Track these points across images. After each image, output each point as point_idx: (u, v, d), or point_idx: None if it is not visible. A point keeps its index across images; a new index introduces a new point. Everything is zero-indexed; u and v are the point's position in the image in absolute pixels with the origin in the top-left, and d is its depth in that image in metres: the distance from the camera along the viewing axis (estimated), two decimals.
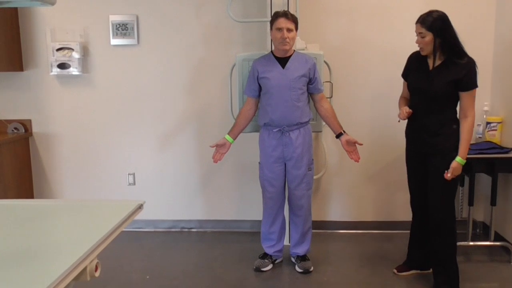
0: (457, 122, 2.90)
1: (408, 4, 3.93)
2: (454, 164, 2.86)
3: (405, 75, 3.13)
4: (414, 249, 3.30)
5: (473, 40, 3.93)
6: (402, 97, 3.20)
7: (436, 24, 2.79)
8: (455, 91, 2.84)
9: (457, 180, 3.01)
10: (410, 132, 3.13)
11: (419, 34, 2.86)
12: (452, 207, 3.00)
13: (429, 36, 2.81)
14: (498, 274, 3.41)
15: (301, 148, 3.30)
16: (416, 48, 2.99)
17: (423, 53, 2.90)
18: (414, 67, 3.02)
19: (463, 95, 2.82)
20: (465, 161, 2.88)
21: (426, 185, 3.06)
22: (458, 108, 2.92)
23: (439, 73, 2.84)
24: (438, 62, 2.85)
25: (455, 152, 2.87)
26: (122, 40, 4.09)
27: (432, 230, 3.06)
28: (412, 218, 3.29)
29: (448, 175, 2.87)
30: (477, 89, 2.86)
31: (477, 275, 3.38)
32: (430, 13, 2.84)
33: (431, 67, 2.89)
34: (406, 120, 3.09)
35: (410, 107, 3.02)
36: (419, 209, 3.19)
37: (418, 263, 3.30)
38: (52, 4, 2.09)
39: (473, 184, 3.60)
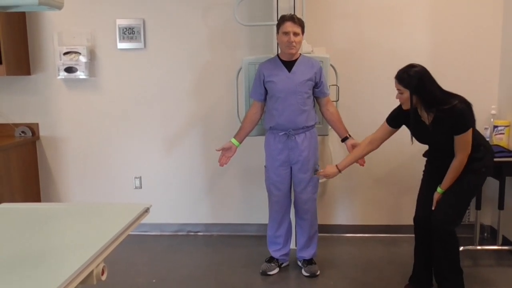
0: (475, 149, 2.85)
1: (415, 7, 3.93)
2: (436, 195, 2.94)
3: (393, 122, 3.05)
4: (422, 269, 3.14)
5: (480, 43, 3.94)
6: (367, 140, 3.14)
7: (412, 82, 2.75)
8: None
9: (472, 193, 2.99)
10: (431, 159, 3.12)
11: (398, 90, 2.83)
12: (454, 218, 2.92)
13: (406, 93, 2.78)
14: (506, 278, 3.38)
15: (307, 152, 3.30)
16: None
17: (404, 108, 2.88)
18: (409, 120, 2.94)
19: (455, 138, 2.80)
20: (444, 191, 2.91)
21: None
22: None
23: (436, 128, 2.82)
24: (431, 116, 2.82)
25: (483, 168, 2.89)
26: (129, 44, 4.11)
27: (435, 241, 2.95)
28: (416, 240, 3.12)
29: (433, 208, 2.95)
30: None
31: (484, 279, 3.36)
32: (408, 68, 2.79)
33: (427, 121, 2.85)
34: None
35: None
36: (423, 221, 3.04)
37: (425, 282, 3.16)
38: (59, 8, 2.10)
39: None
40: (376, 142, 3.13)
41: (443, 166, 2.92)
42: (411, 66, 2.81)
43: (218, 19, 4.06)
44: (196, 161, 4.26)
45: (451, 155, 2.86)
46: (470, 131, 2.78)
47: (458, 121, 2.76)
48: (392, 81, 2.87)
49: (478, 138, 2.90)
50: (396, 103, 2.96)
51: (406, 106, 2.85)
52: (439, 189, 2.93)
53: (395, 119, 3.04)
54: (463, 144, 2.80)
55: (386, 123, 3.09)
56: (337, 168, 3.19)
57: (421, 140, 3.01)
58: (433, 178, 3.03)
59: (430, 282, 3.11)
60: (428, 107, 2.80)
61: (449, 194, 2.90)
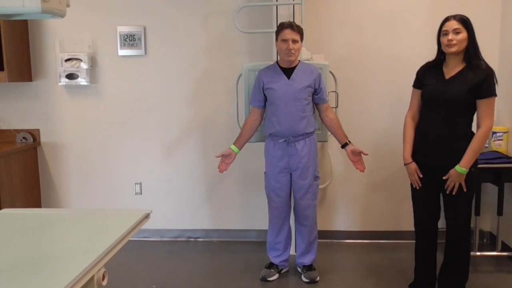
0: (473, 134, 2.78)
1: (414, 14, 3.95)
2: (452, 171, 2.77)
3: (417, 84, 2.98)
4: (424, 276, 3.13)
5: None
6: (410, 119, 3.00)
7: (469, 24, 2.77)
8: (472, 100, 2.74)
9: (473, 191, 2.94)
10: (420, 148, 2.94)
11: (453, 30, 2.73)
12: (469, 220, 2.92)
13: (464, 34, 2.74)
14: (505, 284, 3.39)
15: (307, 158, 3.31)
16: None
17: (451, 50, 2.74)
18: (428, 77, 2.91)
19: (480, 103, 2.72)
20: (466, 170, 2.74)
21: (434, 204, 2.98)
22: (474, 121, 2.83)
23: (456, 82, 2.76)
24: (456, 71, 2.78)
25: (472, 167, 2.79)
26: (130, 51, 4.14)
27: (451, 246, 2.95)
28: (416, 245, 3.12)
29: (448, 191, 2.82)
30: (496, 98, 2.76)
31: (484, 285, 3.36)
32: (458, 14, 2.81)
33: (447, 76, 2.80)
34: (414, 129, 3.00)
35: (421, 119, 2.96)
36: (425, 231, 3.04)
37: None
38: (62, 16, 2.12)
39: (479, 194, 3.59)
40: (418, 114, 3.01)
41: (435, 154, 2.86)
42: (458, 14, 2.82)
43: (218, 26, 4.09)
44: (196, 167, 4.28)
45: (450, 126, 2.79)
46: (494, 98, 2.73)
47: (490, 82, 2.71)
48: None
49: None
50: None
51: (458, 48, 2.74)
52: (459, 169, 2.74)
53: (420, 79, 2.97)
54: (488, 109, 2.72)
55: (415, 88, 3.00)
56: (409, 160, 3.00)
57: (432, 95, 2.86)
58: (426, 180, 2.95)
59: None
60: (465, 57, 2.76)
61: (459, 200, 2.84)
